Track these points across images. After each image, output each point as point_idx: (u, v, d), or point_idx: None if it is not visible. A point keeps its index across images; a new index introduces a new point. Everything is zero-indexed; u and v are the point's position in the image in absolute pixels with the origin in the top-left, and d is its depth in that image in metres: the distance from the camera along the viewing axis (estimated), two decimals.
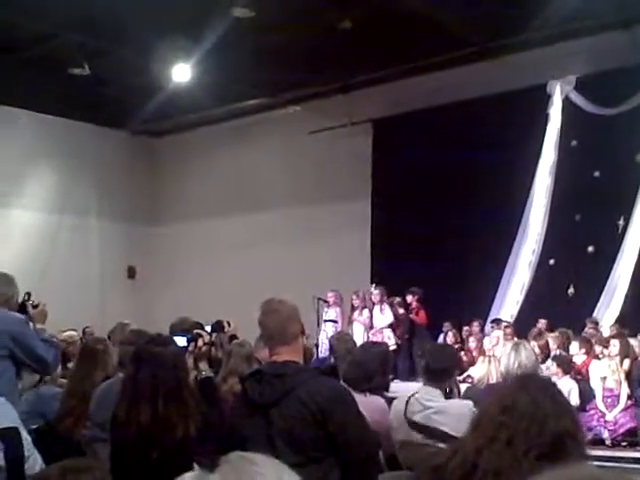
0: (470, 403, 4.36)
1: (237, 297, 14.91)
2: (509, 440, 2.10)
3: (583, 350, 9.19)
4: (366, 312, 11.67)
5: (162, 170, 18.57)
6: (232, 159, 16.96)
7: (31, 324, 4.74)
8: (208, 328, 4.06)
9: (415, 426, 4.33)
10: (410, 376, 10.85)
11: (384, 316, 11.60)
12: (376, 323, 11.60)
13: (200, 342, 3.67)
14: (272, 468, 1.07)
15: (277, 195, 16.01)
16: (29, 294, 4.90)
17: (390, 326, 11.53)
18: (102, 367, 4.90)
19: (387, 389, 5.19)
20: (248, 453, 1.12)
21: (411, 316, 11.85)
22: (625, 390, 8.29)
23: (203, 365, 3.68)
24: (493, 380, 6.85)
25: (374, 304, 11.67)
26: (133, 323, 7.12)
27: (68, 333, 7.18)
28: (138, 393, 3.24)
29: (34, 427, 4.37)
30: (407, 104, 13.77)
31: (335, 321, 11.87)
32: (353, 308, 11.87)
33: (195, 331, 3.78)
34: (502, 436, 2.10)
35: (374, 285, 12.15)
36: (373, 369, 4.75)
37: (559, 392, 2.31)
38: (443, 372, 4.57)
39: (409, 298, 11.88)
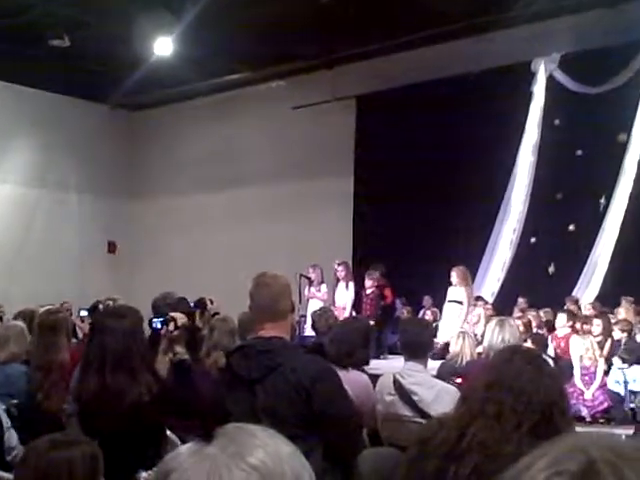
0: (454, 389, 4.35)
1: (218, 273, 14.89)
2: (497, 415, 2.08)
3: (570, 323, 9.18)
4: (324, 287, 11.09)
5: (143, 144, 18.38)
6: (214, 133, 16.82)
7: None
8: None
9: (404, 395, 4.32)
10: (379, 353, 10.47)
11: (348, 292, 10.97)
12: (338, 300, 10.96)
13: (171, 326, 3.67)
14: (271, 440, 1.03)
15: (259, 170, 15.92)
16: None
17: (353, 305, 10.98)
18: (65, 333, 4.99)
19: (367, 362, 5.21)
20: (245, 424, 1.07)
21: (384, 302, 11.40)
22: (602, 367, 8.34)
23: (179, 347, 3.67)
24: (467, 357, 6.66)
25: (338, 280, 11.19)
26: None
27: (47, 308, 7.08)
28: (88, 364, 3.31)
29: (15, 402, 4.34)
30: (392, 80, 13.68)
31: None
32: (310, 283, 11.04)
33: (169, 314, 3.79)
34: (489, 410, 2.09)
35: (338, 261, 11.41)
36: (355, 344, 4.75)
37: (545, 362, 2.29)
38: (417, 345, 4.54)
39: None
